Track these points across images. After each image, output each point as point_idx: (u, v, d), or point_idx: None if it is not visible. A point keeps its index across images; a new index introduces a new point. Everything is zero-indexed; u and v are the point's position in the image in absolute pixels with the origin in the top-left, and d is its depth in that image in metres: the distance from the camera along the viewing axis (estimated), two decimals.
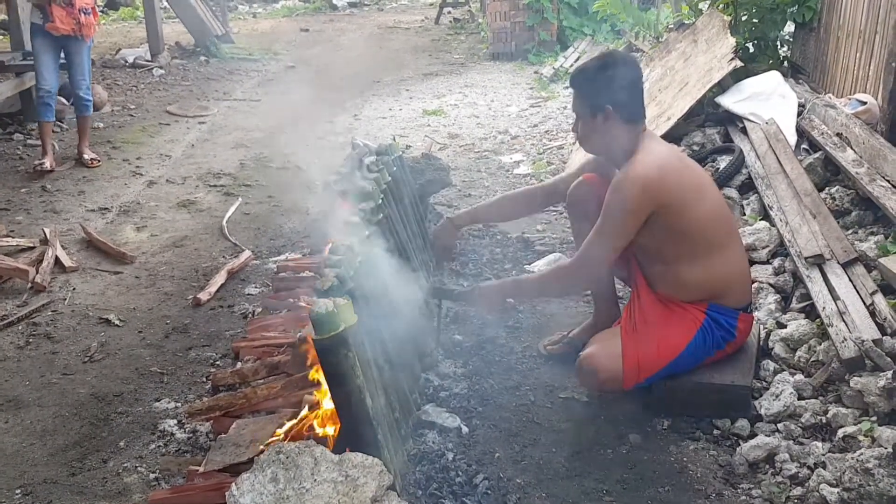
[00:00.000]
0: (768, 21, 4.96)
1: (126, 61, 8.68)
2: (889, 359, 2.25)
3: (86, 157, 5.31)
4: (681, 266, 2.29)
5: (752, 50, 5.03)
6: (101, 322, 3.26)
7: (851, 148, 3.29)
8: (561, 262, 2.47)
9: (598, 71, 2.29)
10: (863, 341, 2.29)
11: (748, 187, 3.71)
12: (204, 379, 2.78)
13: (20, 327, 3.21)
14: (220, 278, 3.55)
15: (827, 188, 3.28)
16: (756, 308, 2.79)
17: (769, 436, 2.23)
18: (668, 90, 4.82)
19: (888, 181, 2.91)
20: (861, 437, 2.11)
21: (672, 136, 4.10)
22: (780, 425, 2.27)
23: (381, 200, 2.64)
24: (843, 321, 2.44)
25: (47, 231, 3.92)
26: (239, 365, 2.71)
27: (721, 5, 5.05)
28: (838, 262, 2.73)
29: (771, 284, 2.93)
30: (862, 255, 2.73)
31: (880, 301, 2.45)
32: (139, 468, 2.31)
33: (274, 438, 2.11)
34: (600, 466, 2.18)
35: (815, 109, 3.83)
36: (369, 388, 1.87)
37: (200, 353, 2.98)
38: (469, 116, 6.71)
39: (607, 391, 2.37)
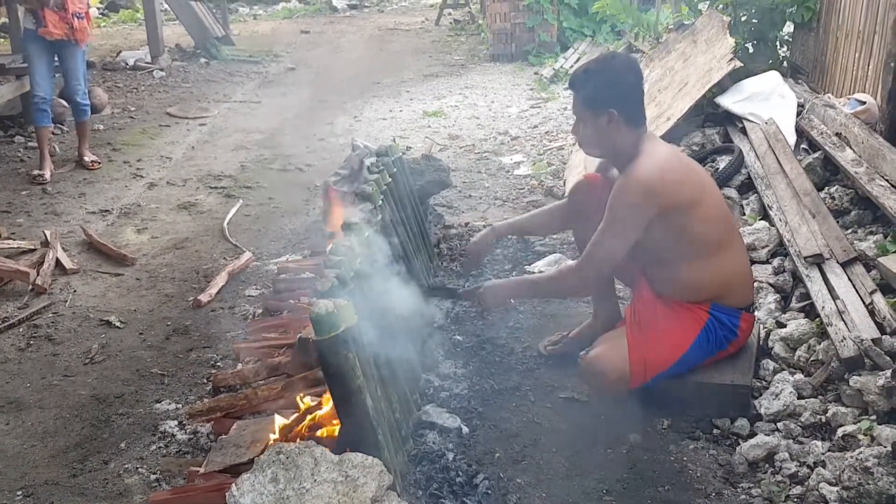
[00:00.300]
0: (767, 21, 4.97)
1: (126, 63, 8.70)
2: (888, 358, 2.25)
3: (86, 159, 5.32)
4: (683, 267, 2.29)
5: (751, 50, 5.04)
6: (101, 324, 3.27)
7: (850, 147, 3.29)
8: (567, 264, 2.46)
9: (600, 73, 2.28)
10: (862, 340, 2.29)
11: (748, 187, 3.71)
12: (205, 380, 2.79)
13: (21, 329, 3.22)
14: (220, 280, 3.55)
15: (826, 188, 3.29)
16: (756, 308, 2.79)
17: (769, 435, 2.23)
18: (668, 91, 4.83)
19: (887, 180, 2.91)
20: (860, 436, 2.11)
21: (672, 137, 4.11)
22: (779, 424, 2.27)
23: (381, 202, 2.65)
24: (843, 320, 2.44)
25: (48, 233, 3.93)
26: (239, 366, 2.72)
27: (720, 6, 5.06)
28: (837, 262, 2.73)
29: (770, 284, 2.93)
30: (861, 254, 2.73)
31: (879, 300, 2.45)
32: (140, 469, 2.31)
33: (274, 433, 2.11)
34: (600, 466, 2.19)
35: (814, 109, 3.83)
36: (369, 389, 1.87)
37: (201, 355, 2.99)
38: (469, 118, 6.72)
39: (613, 392, 2.36)
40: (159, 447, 2.41)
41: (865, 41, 3.95)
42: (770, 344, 2.62)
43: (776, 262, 3.06)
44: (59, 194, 4.84)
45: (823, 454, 2.11)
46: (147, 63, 8.72)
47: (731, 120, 4.30)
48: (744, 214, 3.50)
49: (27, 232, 4.22)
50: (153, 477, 2.27)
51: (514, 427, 2.37)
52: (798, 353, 2.53)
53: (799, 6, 4.79)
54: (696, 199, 2.24)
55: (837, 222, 2.99)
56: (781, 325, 2.68)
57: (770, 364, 2.53)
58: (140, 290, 3.60)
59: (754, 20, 5.01)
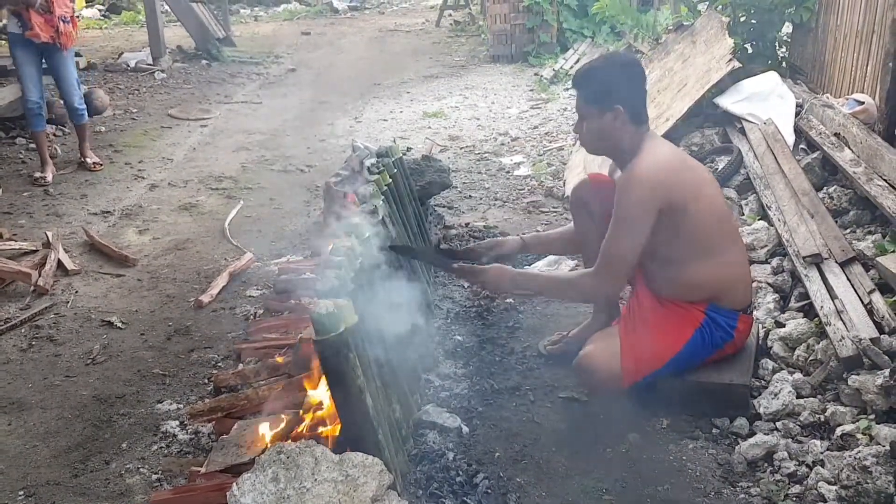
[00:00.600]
0: (766, 22, 4.98)
1: (128, 65, 8.72)
2: (887, 357, 2.25)
3: (88, 161, 5.33)
4: (683, 266, 2.29)
5: (750, 51, 5.05)
6: (103, 324, 3.28)
7: (849, 148, 3.30)
8: (584, 271, 2.38)
9: (606, 70, 2.27)
10: (860, 340, 2.30)
11: (746, 187, 3.72)
12: (206, 380, 2.80)
13: (23, 330, 3.23)
14: (221, 280, 3.56)
15: (825, 188, 3.29)
16: (755, 307, 2.80)
17: (768, 434, 2.23)
18: (667, 91, 4.84)
19: (885, 180, 2.92)
20: (859, 435, 2.12)
21: (671, 137, 4.11)
22: (778, 424, 2.28)
23: (381, 202, 2.66)
24: (841, 320, 2.45)
25: (50, 234, 3.95)
26: (241, 366, 2.73)
27: (719, 6, 5.07)
28: (836, 262, 2.74)
29: (769, 284, 2.94)
30: (860, 254, 2.74)
31: (878, 300, 2.45)
32: (141, 469, 2.32)
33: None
34: (600, 465, 2.20)
35: (812, 109, 3.84)
36: (370, 388, 1.88)
37: (202, 355, 3.00)
38: (469, 118, 6.73)
39: (606, 390, 2.37)
40: (161, 447, 2.42)
41: (864, 41, 3.96)
42: (769, 343, 2.63)
43: (775, 261, 3.06)
44: (60, 196, 4.86)
45: (822, 453, 2.12)
46: (148, 65, 8.74)
47: (729, 120, 4.31)
48: (743, 214, 3.51)
49: (29, 233, 4.23)
50: (155, 477, 2.28)
51: (514, 426, 2.38)
52: (797, 352, 2.54)
53: (798, 7, 4.80)
54: (698, 196, 2.24)
55: (836, 222, 2.99)
56: (780, 325, 2.68)
57: (769, 363, 2.54)
58: (141, 290, 3.61)
59: (753, 21, 5.01)
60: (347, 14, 14.85)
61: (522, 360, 2.75)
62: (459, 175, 5.06)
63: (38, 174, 5.08)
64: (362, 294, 2.12)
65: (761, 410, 2.34)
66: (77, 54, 7.14)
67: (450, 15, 13.16)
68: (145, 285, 3.66)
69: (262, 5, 15.46)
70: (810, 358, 2.48)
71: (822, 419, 2.27)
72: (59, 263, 3.75)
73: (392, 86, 8.23)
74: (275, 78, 8.84)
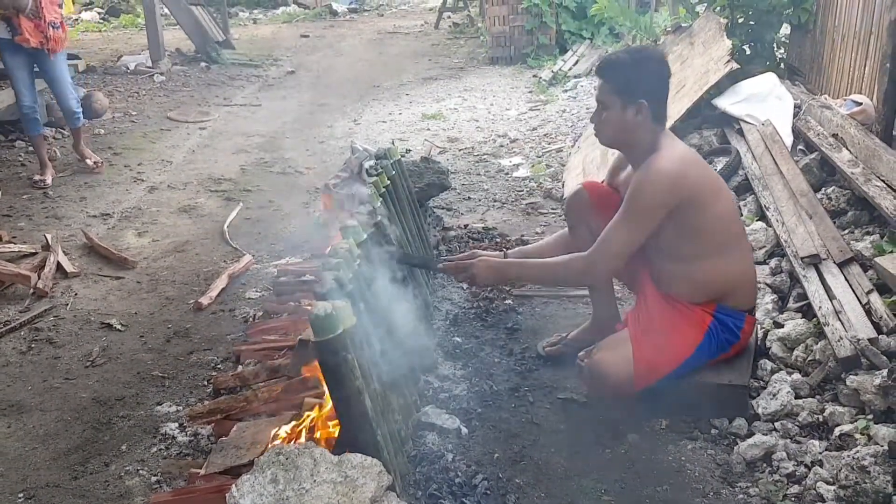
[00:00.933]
0: (764, 23, 4.99)
1: (127, 68, 8.73)
2: (885, 357, 2.26)
3: (88, 161, 5.32)
4: (694, 264, 2.28)
5: (748, 52, 5.06)
6: (102, 327, 3.28)
7: (847, 148, 3.31)
8: (574, 255, 2.36)
9: (637, 63, 2.23)
10: (859, 340, 2.30)
11: (745, 188, 3.73)
12: (205, 382, 2.80)
13: (22, 332, 3.24)
14: (221, 282, 3.57)
15: (823, 188, 3.30)
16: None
17: (766, 435, 2.24)
18: None
19: (883, 181, 2.92)
20: (857, 435, 2.12)
21: None
22: (777, 424, 2.29)
23: (379, 204, 2.66)
24: (840, 320, 2.45)
25: (49, 237, 3.95)
26: (240, 368, 2.73)
27: (717, 8, 5.08)
28: (834, 262, 2.74)
29: (768, 284, 2.94)
30: (858, 254, 2.74)
31: (876, 300, 2.46)
32: (141, 471, 2.33)
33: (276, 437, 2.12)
34: (599, 466, 2.20)
35: (810, 110, 3.85)
36: (369, 390, 1.89)
37: (202, 357, 3.00)
38: (468, 120, 6.74)
39: (616, 395, 2.36)
40: (160, 449, 2.43)
41: (862, 42, 3.97)
42: (768, 344, 2.63)
43: (773, 262, 3.07)
44: (60, 198, 4.86)
45: (821, 453, 2.12)
46: (148, 67, 8.76)
47: (728, 121, 4.32)
48: (741, 215, 3.51)
49: (28, 236, 4.23)
50: (154, 479, 2.28)
51: (513, 428, 2.38)
52: (795, 353, 2.54)
53: (796, 8, 4.82)
54: (714, 195, 2.24)
55: (834, 223, 3.00)
56: (779, 326, 2.69)
57: (768, 364, 2.54)
58: (141, 293, 3.61)
59: (751, 22, 5.02)
60: (346, 16, 14.87)
61: (521, 362, 2.75)
62: (458, 177, 5.07)
63: (37, 177, 5.08)
64: (360, 295, 2.12)
65: (760, 411, 2.34)
66: (76, 57, 7.17)
67: (449, 17, 13.18)
68: (145, 287, 3.66)
69: (261, 8, 15.49)
70: (809, 358, 2.48)
71: (821, 419, 2.27)
72: (59, 266, 3.75)
73: (391, 88, 8.24)
74: (274, 80, 8.85)
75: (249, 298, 3.49)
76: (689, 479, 2.14)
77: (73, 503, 2.22)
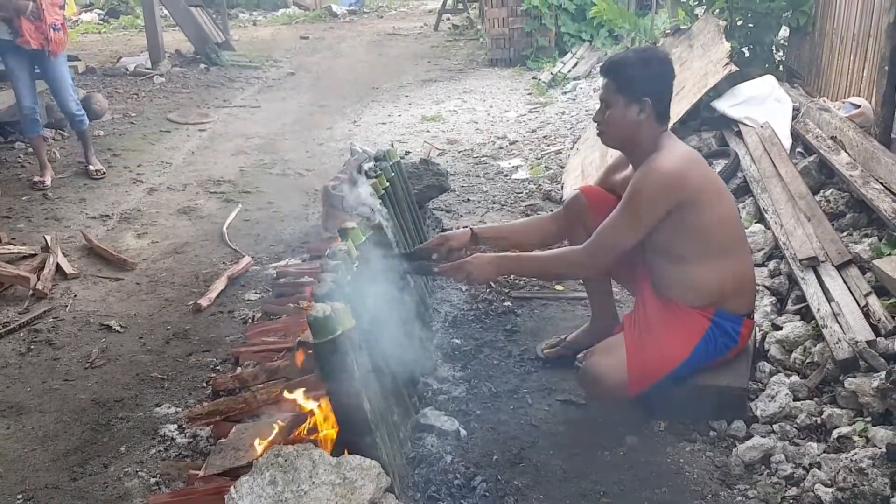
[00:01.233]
0: (763, 26, 5.00)
1: (127, 69, 8.74)
2: (883, 360, 2.26)
3: (91, 168, 5.28)
4: (693, 267, 2.28)
5: (747, 54, 5.07)
6: (102, 328, 3.28)
7: (845, 151, 3.31)
8: (569, 247, 2.34)
9: (644, 62, 2.24)
10: (857, 342, 2.31)
11: (744, 191, 3.73)
12: (204, 384, 2.80)
13: (22, 334, 3.24)
14: (220, 284, 3.57)
15: (821, 191, 3.30)
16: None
17: (765, 437, 2.24)
18: None
19: (882, 183, 2.93)
20: (855, 438, 2.12)
21: None
22: (775, 426, 2.29)
23: (378, 205, 2.67)
24: (838, 323, 2.46)
25: (49, 238, 3.95)
26: (239, 370, 2.73)
27: (716, 10, 5.09)
28: (833, 265, 2.75)
29: (766, 287, 2.95)
30: (856, 257, 2.75)
31: (874, 302, 2.46)
32: (140, 473, 2.33)
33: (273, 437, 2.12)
34: (597, 468, 2.20)
35: (809, 113, 3.85)
36: (367, 392, 1.89)
37: (201, 359, 3.00)
38: (468, 122, 6.74)
39: (611, 398, 2.37)
40: (159, 451, 2.43)
41: (860, 45, 3.98)
42: (766, 346, 2.63)
43: (772, 264, 3.07)
44: (59, 200, 4.86)
45: (819, 456, 2.13)
46: (147, 69, 8.76)
47: (727, 124, 4.32)
48: (740, 218, 3.52)
49: (28, 237, 4.23)
50: (153, 480, 2.28)
51: (512, 430, 2.38)
52: (794, 355, 2.54)
53: (794, 10, 4.83)
54: (715, 196, 2.24)
55: (832, 225, 3.00)
56: (777, 328, 2.69)
57: (766, 366, 2.55)
58: (140, 294, 3.61)
59: (750, 25, 5.04)
60: (346, 18, 14.89)
61: (520, 364, 2.76)
62: (457, 179, 5.07)
63: (36, 178, 5.08)
64: (359, 297, 2.13)
65: (758, 413, 2.34)
66: (75, 58, 7.17)
67: (448, 19, 13.20)
68: (144, 289, 3.66)
69: (261, 10, 15.50)
70: (807, 360, 2.49)
71: (819, 421, 2.27)
72: (58, 267, 3.75)
73: (390, 89, 8.25)
74: (273, 82, 8.86)
75: (248, 300, 3.49)
76: (688, 481, 2.14)
77: None
